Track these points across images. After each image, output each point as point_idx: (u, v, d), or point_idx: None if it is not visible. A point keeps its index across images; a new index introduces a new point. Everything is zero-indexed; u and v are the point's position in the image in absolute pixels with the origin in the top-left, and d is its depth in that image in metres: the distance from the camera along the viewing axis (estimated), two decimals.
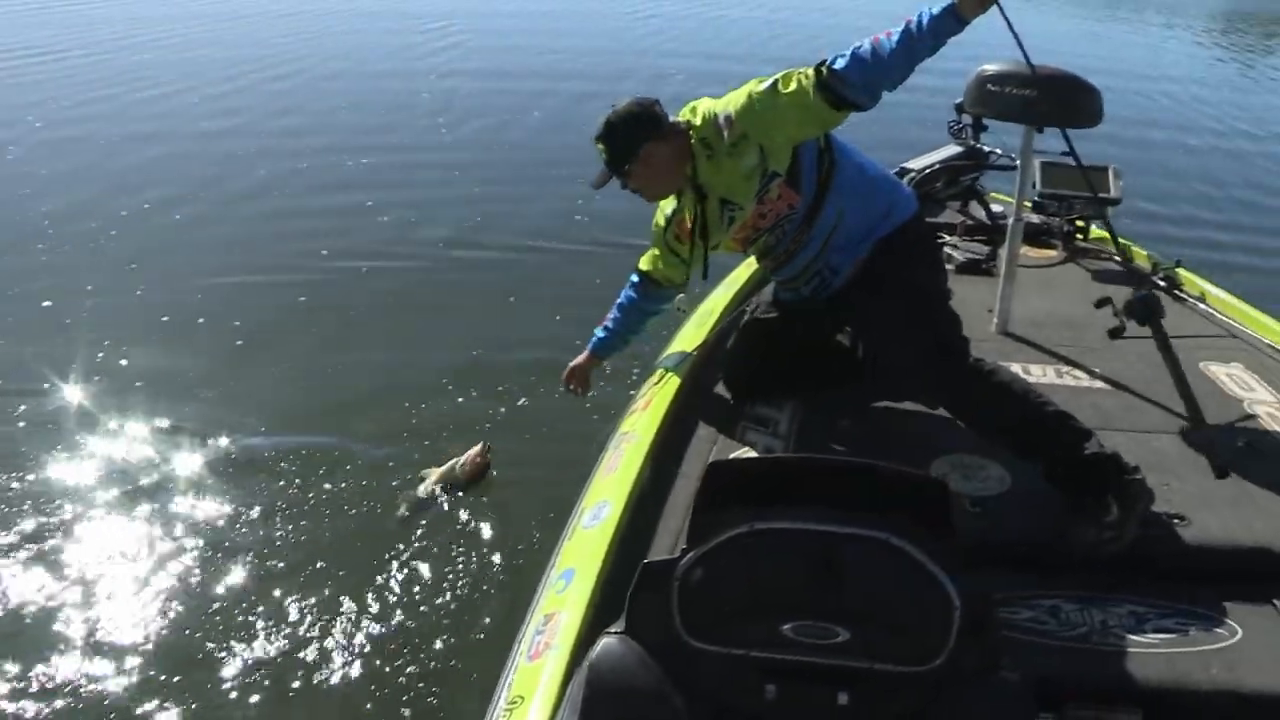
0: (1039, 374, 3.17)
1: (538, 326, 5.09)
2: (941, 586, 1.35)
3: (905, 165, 4.38)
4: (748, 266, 3.68)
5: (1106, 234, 4.30)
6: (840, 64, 2.50)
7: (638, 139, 2.69)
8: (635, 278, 3.11)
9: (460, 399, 4.53)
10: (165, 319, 5.22)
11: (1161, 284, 3.90)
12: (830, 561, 1.36)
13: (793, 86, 2.55)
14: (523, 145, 8.40)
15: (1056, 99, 3.27)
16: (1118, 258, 4.18)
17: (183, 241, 6.29)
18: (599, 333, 3.19)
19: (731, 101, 2.66)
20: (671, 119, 2.75)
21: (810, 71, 2.54)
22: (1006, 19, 2.44)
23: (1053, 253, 4.26)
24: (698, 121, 2.71)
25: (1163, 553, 2.33)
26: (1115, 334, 2.86)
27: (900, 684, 1.36)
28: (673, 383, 2.94)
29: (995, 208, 4.33)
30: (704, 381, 3.05)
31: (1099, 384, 3.15)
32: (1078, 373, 3.21)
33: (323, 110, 9.29)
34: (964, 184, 4.31)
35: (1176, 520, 2.39)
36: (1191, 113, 10.55)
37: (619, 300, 3.16)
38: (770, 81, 2.60)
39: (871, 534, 1.35)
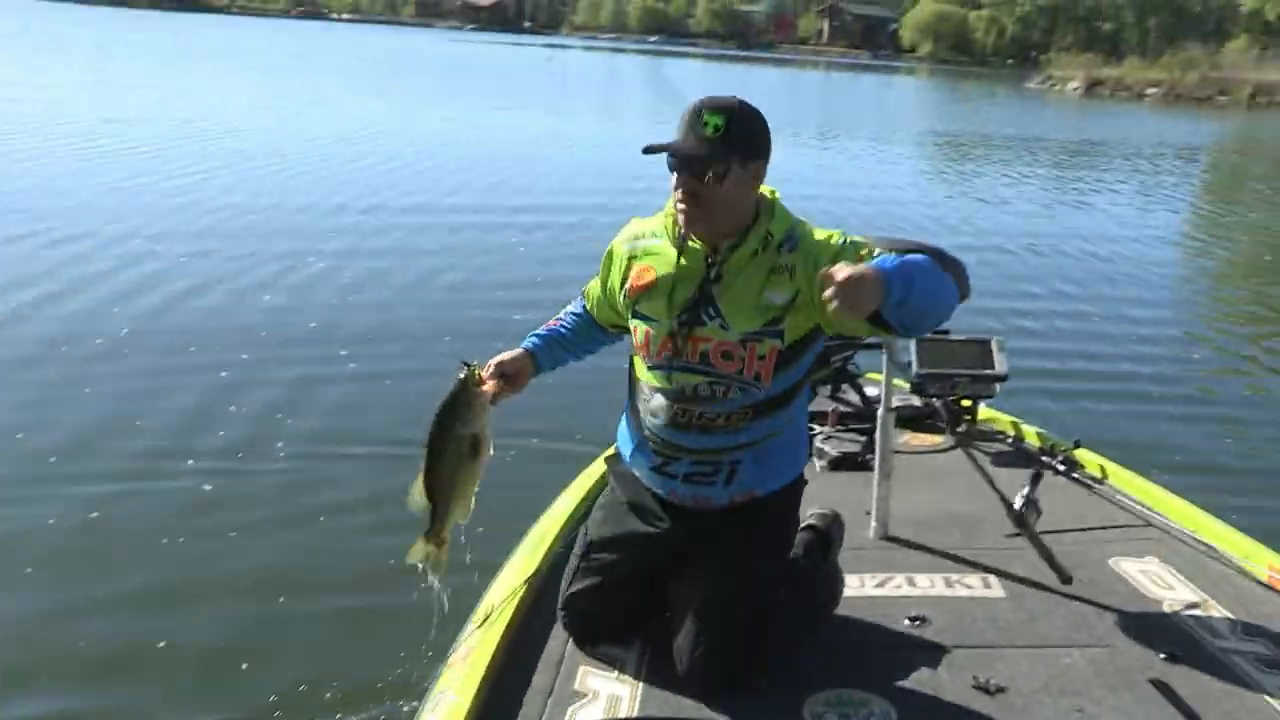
0: (926, 585, 2.82)
1: None
2: None
3: None
4: (581, 486, 3.26)
5: (997, 414, 4.03)
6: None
7: (759, 148, 2.25)
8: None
9: None
10: None
11: (1060, 467, 3.54)
12: None
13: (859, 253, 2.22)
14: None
15: None
16: (1010, 439, 3.85)
17: None
18: (533, 337, 2.56)
19: (811, 231, 2.31)
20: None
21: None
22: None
23: (939, 438, 3.91)
24: (779, 214, 2.31)
25: None
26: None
27: None
28: (500, 624, 2.52)
29: (871, 390, 3.93)
30: (537, 621, 2.60)
31: (996, 592, 2.79)
32: (971, 579, 2.86)
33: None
34: (834, 365, 3.90)
35: None
36: (1065, 266, 10.45)
37: (567, 309, 2.62)
38: (850, 242, 2.26)
39: None
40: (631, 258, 2.42)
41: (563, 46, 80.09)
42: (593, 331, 2.59)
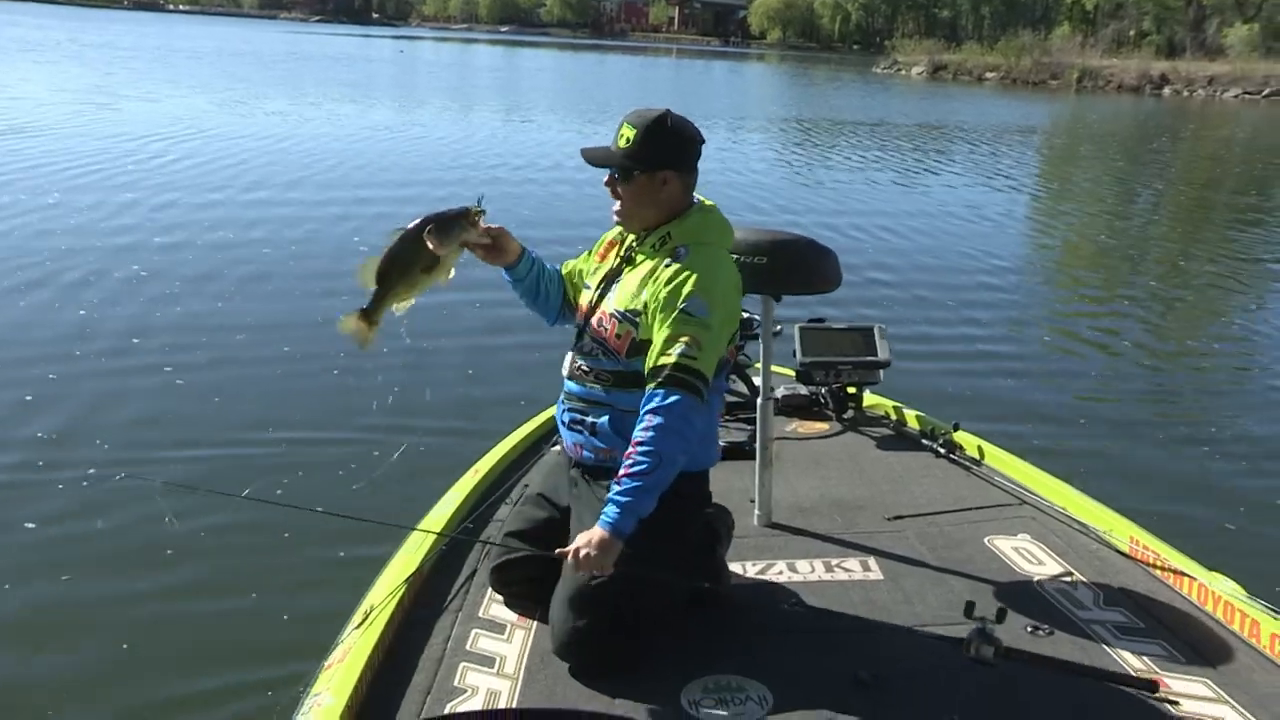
0: (807, 570, 2.87)
1: None
2: None
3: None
4: (462, 489, 3.24)
5: (881, 399, 4.12)
6: (672, 398, 2.33)
7: (669, 159, 2.50)
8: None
9: None
10: None
11: (940, 450, 3.67)
12: None
13: (676, 333, 2.37)
14: None
15: (791, 265, 3.10)
16: (894, 424, 3.95)
17: None
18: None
19: (696, 261, 2.45)
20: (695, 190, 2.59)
21: (680, 362, 2.34)
22: None
23: (824, 425, 3.95)
24: (689, 222, 2.53)
25: None
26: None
27: None
28: (379, 624, 2.48)
29: (758, 380, 3.97)
30: (417, 620, 2.58)
31: (875, 575, 2.86)
32: (850, 563, 2.92)
33: None
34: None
35: None
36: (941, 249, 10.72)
37: None
38: (678, 314, 2.39)
39: None
40: (612, 238, 2.72)
41: (413, 38, 78.57)
42: (560, 288, 2.77)
